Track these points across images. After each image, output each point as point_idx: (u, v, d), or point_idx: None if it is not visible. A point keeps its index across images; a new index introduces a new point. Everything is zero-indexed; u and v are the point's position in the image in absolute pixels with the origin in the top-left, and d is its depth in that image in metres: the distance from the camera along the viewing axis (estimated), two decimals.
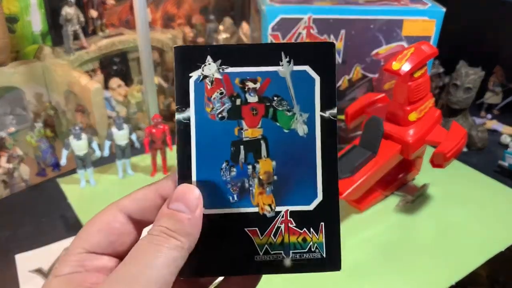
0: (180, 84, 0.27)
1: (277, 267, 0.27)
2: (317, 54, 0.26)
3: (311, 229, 0.27)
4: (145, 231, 0.27)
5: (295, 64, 0.26)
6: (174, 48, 0.27)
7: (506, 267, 0.69)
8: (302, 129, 0.27)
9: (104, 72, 1.09)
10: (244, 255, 0.27)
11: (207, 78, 0.27)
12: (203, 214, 0.26)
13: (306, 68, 0.26)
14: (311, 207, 0.27)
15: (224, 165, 0.27)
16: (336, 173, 0.27)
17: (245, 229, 0.27)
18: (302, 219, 0.27)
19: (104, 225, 0.26)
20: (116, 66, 1.11)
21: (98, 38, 1.06)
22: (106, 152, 0.84)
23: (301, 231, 0.27)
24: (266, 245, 0.27)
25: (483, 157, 0.95)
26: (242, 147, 0.27)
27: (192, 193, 0.25)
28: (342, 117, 0.87)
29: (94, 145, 0.83)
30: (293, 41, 0.79)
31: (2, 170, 0.83)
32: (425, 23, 0.80)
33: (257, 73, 0.27)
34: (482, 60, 0.98)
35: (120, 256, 0.26)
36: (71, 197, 0.81)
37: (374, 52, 0.83)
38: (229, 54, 0.26)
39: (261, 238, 0.27)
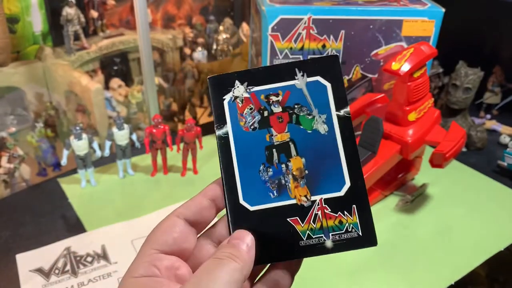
0: (216, 106, 0.32)
1: (320, 249, 0.31)
2: (325, 65, 0.32)
3: (345, 212, 0.31)
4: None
5: (308, 76, 0.32)
6: (208, 78, 0.33)
7: (506, 266, 0.69)
8: (323, 128, 0.31)
9: (105, 72, 1.09)
10: (290, 242, 0.31)
11: (238, 98, 0.32)
12: (251, 211, 0.31)
13: (318, 78, 0.31)
14: (342, 192, 0.31)
15: (261, 167, 0.31)
16: (358, 160, 0.31)
17: (288, 219, 0.31)
18: (336, 204, 0.31)
19: (167, 228, 0.31)
20: (117, 66, 1.11)
21: (99, 38, 1.06)
22: (107, 152, 0.84)
23: (337, 215, 0.31)
24: (308, 231, 0.31)
25: (482, 157, 0.95)
26: (274, 150, 0.32)
27: (248, 235, 0.30)
28: None
29: (95, 145, 0.83)
30: (293, 41, 0.79)
31: (3, 170, 0.84)
32: (424, 24, 0.80)
33: (278, 88, 0.32)
34: (481, 61, 0.98)
35: (186, 257, 0.31)
36: (72, 197, 0.81)
37: (374, 52, 0.83)
38: (253, 76, 0.32)
39: (302, 225, 0.31)
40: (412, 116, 0.72)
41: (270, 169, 0.31)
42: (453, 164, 0.85)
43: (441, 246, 0.71)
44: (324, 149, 0.31)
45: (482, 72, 0.93)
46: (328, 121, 0.31)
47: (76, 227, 0.74)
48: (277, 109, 0.32)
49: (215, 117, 0.32)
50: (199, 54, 1.23)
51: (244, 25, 1.31)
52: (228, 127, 0.32)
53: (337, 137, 0.31)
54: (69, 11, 0.95)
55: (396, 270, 0.67)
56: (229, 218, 0.31)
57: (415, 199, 0.81)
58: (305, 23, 0.78)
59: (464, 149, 0.97)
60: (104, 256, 0.68)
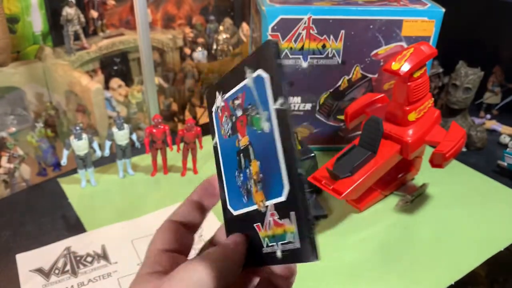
0: (209, 118, 0.33)
1: (273, 259, 0.28)
2: (265, 55, 0.27)
3: (287, 220, 0.26)
4: None
5: (253, 71, 0.28)
6: (205, 93, 0.34)
7: (505, 266, 0.69)
8: (266, 126, 0.27)
9: (105, 72, 1.09)
10: (257, 249, 0.29)
11: (219, 108, 0.32)
12: (235, 215, 0.31)
13: (260, 71, 0.27)
14: (283, 197, 0.26)
15: (236, 173, 0.31)
16: (296, 159, 0.26)
17: (254, 224, 0.29)
18: (282, 211, 0.27)
19: (166, 228, 0.33)
20: (117, 66, 1.11)
21: (99, 38, 1.06)
22: (107, 152, 0.84)
23: (281, 223, 0.27)
24: (266, 238, 0.28)
25: (482, 157, 0.95)
26: (241, 155, 0.30)
27: (238, 236, 0.30)
28: (342, 117, 0.88)
29: (95, 145, 0.83)
30: (293, 41, 0.79)
31: (3, 170, 0.84)
32: (424, 24, 0.80)
33: (238, 90, 0.30)
34: (481, 61, 0.98)
35: (187, 253, 0.33)
36: (72, 197, 0.81)
37: (374, 52, 0.83)
38: (223, 84, 0.31)
39: (262, 231, 0.29)
40: (412, 116, 0.72)
41: (241, 175, 0.30)
42: (453, 164, 0.85)
43: (441, 246, 0.71)
44: (268, 149, 0.27)
45: (482, 72, 0.93)
46: (269, 118, 0.27)
47: (76, 227, 0.74)
48: (240, 113, 0.30)
49: (210, 128, 0.33)
50: (199, 54, 1.23)
51: (244, 25, 1.31)
52: (216, 137, 0.33)
53: (275, 134, 0.27)
54: (69, 11, 0.95)
55: (396, 270, 0.67)
56: (224, 222, 0.32)
57: (415, 199, 0.81)
58: (305, 23, 0.78)
59: (464, 149, 0.97)
60: (104, 256, 0.68)
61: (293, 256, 0.26)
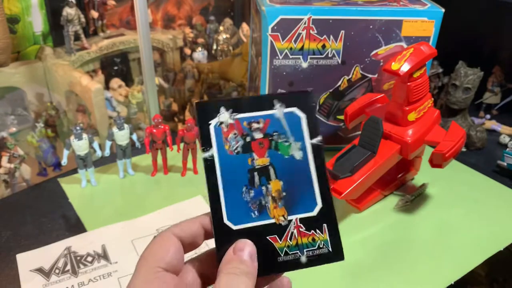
0: (203, 130, 0.34)
1: (296, 264, 0.33)
2: (301, 99, 0.35)
3: (317, 230, 0.34)
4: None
5: (286, 107, 0.35)
6: (195, 103, 0.35)
7: (505, 266, 0.70)
8: (298, 154, 0.35)
9: (105, 72, 1.09)
10: (269, 258, 0.33)
11: (223, 124, 0.35)
12: (234, 230, 0.33)
13: (294, 109, 0.35)
14: (314, 213, 0.34)
15: (244, 189, 0.34)
16: (328, 184, 0.34)
17: (267, 237, 0.33)
18: (309, 223, 0.34)
19: (165, 244, 0.32)
20: (117, 66, 1.11)
21: (99, 38, 1.07)
22: (107, 152, 0.84)
23: (310, 233, 0.34)
24: (285, 248, 0.33)
25: (482, 157, 0.96)
26: (255, 173, 0.34)
27: (249, 245, 0.33)
28: (342, 117, 0.88)
29: (95, 145, 0.83)
30: (292, 41, 0.79)
31: (3, 170, 0.84)
32: (424, 24, 0.80)
33: (259, 116, 0.35)
34: (481, 60, 0.98)
35: (178, 273, 0.33)
36: (72, 197, 0.81)
37: (374, 52, 0.83)
38: (237, 104, 0.35)
39: (280, 242, 0.33)
40: (411, 116, 0.72)
41: (252, 191, 0.34)
42: (453, 164, 0.85)
43: (440, 246, 0.72)
44: (299, 173, 0.34)
45: (481, 72, 0.93)
46: (303, 149, 0.35)
47: (76, 227, 0.74)
48: (258, 135, 0.35)
49: (202, 140, 0.34)
50: (199, 54, 1.24)
51: (244, 25, 1.31)
52: (214, 150, 0.34)
53: (310, 163, 0.34)
54: (70, 11, 0.95)
55: (396, 270, 0.67)
56: (215, 237, 0.33)
57: (414, 199, 0.81)
58: (305, 23, 0.78)
59: (463, 149, 0.97)
60: (104, 256, 0.68)
61: (322, 259, 0.34)
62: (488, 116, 1.11)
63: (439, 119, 0.77)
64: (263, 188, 0.34)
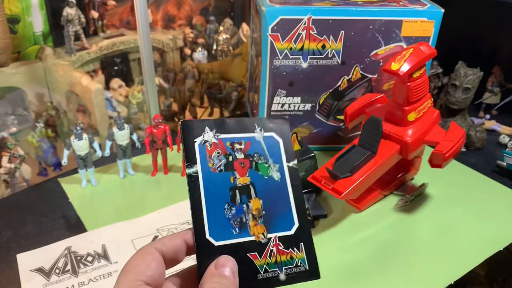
0: (188, 147, 0.36)
1: (275, 282, 0.34)
2: (278, 125, 0.38)
3: (295, 249, 0.35)
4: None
5: (265, 131, 0.38)
6: (181, 122, 0.36)
7: (505, 266, 0.70)
8: (276, 176, 0.37)
9: (105, 72, 1.09)
10: (249, 275, 0.34)
11: (207, 142, 0.36)
12: (216, 246, 0.34)
13: (272, 134, 0.38)
14: (292, 231, 0.36)
15: (226, 205, 0.35)
16: (304, 204, 0.37)
17: (248, 254, 0.34)
18: (288, 242, 0.35)
19: (146, 258, 0.33)
20: (117, 66, 1.11)
21: (99, 38, 1.07)
22: (107, 152, 0.84)
23: (288, 251, 0.35)
24: (264, 265, 0.34)
25: (481, 157, 0.96)
26: (237, 191, 0.36)
27: (230, 261, 0.33)
28: (342, 117, 0.88)
29: (95, 145, 0.83)
30: (292, 41, 0.80)
31: (4, 170, 0.84)
32: (424, 24, 0.80)
33: (241, 138, 0.37)
34: (480, 61, 0.98)
35: (159, 287, 0.33)
36: (72, 197, 0.81)
37: (373, 52, 0.83)
38: (221, 126, 0.37)
39: (260, 260, 0.34)
40: (411, 116, 0.73)
41: (233, 208, 0.35)
42: (453, 164, 0.85)
43: (440, 245, 0.72)
44: (277, 193, 0.36)
45: (481, 72, 0.93)
46: (281, 170, 0.37)
47: (76, 226, 0.74)
48: (240, 156, 0.37)
49: (186, 156, 0.35)
50: (199, 54, 1.24)
51: (244, 26, 1.31)
52: (198, 167, 0.35)
53: (288, 184, 0.37)
54: (70, 12, 0.95)
55: (396, 270, 0.67)
56: (197, 252, 0.34)
57: (414, 199, 0.81)
58: (305, 23, 0.78)
59: (463, 149, 0.97)
60: (104, 255, 0.68)
61: (299, 277, 0.35)
62: (487, 116, 1.11)
63: (438, 119, 0.77)
64: (244, 206, 0.35)
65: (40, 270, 0.65)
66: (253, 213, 0.35)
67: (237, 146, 0.37)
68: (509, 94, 1.12)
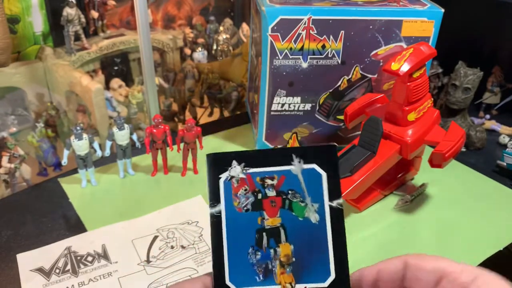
0: (212, 184, 0.32)
1: None
2: (322, 154, 0.32)
3: None
4: None
5: (304, 163, 0.31)
6: (207, 155, 0.32)
7: (505, 266, 0.70)
8: (314, 217, 0.31)
9: (105, 72, 1.09)
10: None
11: (234, 178, 0.32)
12: None
13: (314, 166, 0.31)
14: (326, 284, 0.31)
15: (250, 249, 0.31)
16: (346, 254, 0.31)
17: None
18: None
19: None
20: (117, 66, 1.11)
21: (99, 38, 1.07)
22: (107, 152, 0.84)
23: None
24: None
25: (481, 157, 0.96)
26: (264, 234, 0.32)
27: None
28: (342, 117, 0.88)
29: (95, 145, 0.83)
30: (292, 41, 0.80)
31: (4, 170, 0.84)
32: (424, 24, 0.80)
33: (274, 172, 0.32)
34: (480, 61, 0.98)
35: None
36: (72, 197, 0.81)
37: (373, 52, 0.83)
38: (250, 158, 0.32)
39: None
40: (411, 116, 0.73)
41: (259, 253, 0.31)
42: (453, 164, 0.85)
43: (440, 245, 0.72)
44: (313, 238, 0.31)
45: (481, 72, 0.93)
46: (320, 211, 0.31)
47: (76, 226, 0.74)
48: (271, 193, 0.32)
49: (210, 194, 0.32)
50: (199, 54, 1.24)
51: (244, 26, 1.31)
52: (222, 207, 0.32)
53: (327, 228, 0.31)
54: (70, 12, 0.95)
55: None
56: None
57: (414, 199, 0.81)
58: (305, 23, 0.78)
59: (463, 149, 0.97)
60: (104, 255, 0.68)
61: None
62: (487, 116, 1.11)
63: (438, 119, 0.77)
64: (271, 251, 0.31)
65: (40, 270, 0.65)
66: (281, 259, 0.31)
67: (268, 181, 0.32)
68: (509, 94, 1.12)
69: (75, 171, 0.86)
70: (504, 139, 1.00)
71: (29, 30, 0.97)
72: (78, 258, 0.67)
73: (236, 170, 0.32)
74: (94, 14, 1.05)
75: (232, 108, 1.18)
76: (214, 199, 0.32)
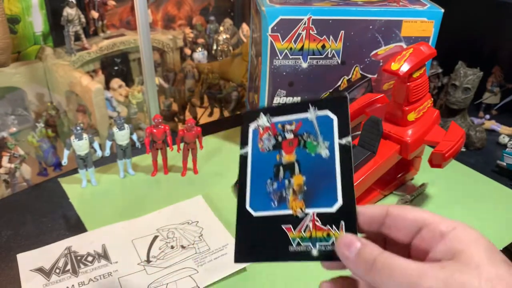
0: (244, 132, 0.39)
1: (306, 256, 0.34)
2: (334, 102, 0.37)
3: (334, 226, 0.34)
4: None
5: (319, 110, 0.37)
6: (243, 114, 0.40)
7: None
8: (325, 153, 0.36)
9: (105, 72, 1.09)
10: (281, 246, 0.35)
11: (260, 126, 0.39)
12: (254, 216, 0.36)
13: (327, 112, 0.37)
14: (333, 209, 0.34)
15: (268, 181, 0.37)
16: (352, 183, 0.35)
17: (282, 226, 0.35)
18: (327, 219, 0.34)
19: None
20: (117, 66, 1.11)
21: (99, 38, 1.07)
22: (107, 152, 0.84)
23: (326, 228, 0.34)
24: (298, 239, 0.34)
25: (481, 157, 0.96)
26: (281, 167, 0.37)
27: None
28: None
29: (95, 145, 0.83)
30: (292, 41, 0.80)
31: (4, 169, 0.84)
32: (423, 24, 0.81)
33: (293, 119, 0.38)
34: (480, 61, 0.98)
35: None
36: (73, 197, 0.81)
37: (373, 52, 0.83)
38: (274, 110, 0.39)
39: (294, 233, 0.35)
40: (411, 116, 0.73)
41: (275, 183, 0.37)
42: (452, 164, 0.85)
43: None
44: (323, 171, 0.35)
45: (481, 72, 0.93)
46: (330, 147, 0.36)
47: (76, 226, 0.74)
48: (289, 136, 0.37)
49: (241, 138, 0.39)
50: (199, 54, 1.24)
51: (244, 26, 1.31)
52: (249, 148, 0.39)
53: (336, 162, 0.35)
54: (70, 12, 0.95)
55: None
56: (237, 220, 0.36)
57: (414, 198, 0.81)
58: (305, 23, 0.79)
59: (463, 149, 0.97)
60: (104, 255, 0.68)
61: (334, 256, 0.33)
62: (487, 116, 1.11)
63: (438, 119, 0.77)
64: (286, 181, 0.36)
65: (40, 270, 0.65)
66: (294, 188, 0.36)
67: (288, 127, 0.38)
68: (509, 94, 1.12)
69: (75, 171, 0.86)
70: (504, 139, 1.01)
71: (29, 30, 0.97)
72: (78, 258, 0.67)
73: (263, 120, 0.39)
74: (94, 14, 1.05)
75: (232, 108, 1.18)
76: (244, 142, 0.39)
